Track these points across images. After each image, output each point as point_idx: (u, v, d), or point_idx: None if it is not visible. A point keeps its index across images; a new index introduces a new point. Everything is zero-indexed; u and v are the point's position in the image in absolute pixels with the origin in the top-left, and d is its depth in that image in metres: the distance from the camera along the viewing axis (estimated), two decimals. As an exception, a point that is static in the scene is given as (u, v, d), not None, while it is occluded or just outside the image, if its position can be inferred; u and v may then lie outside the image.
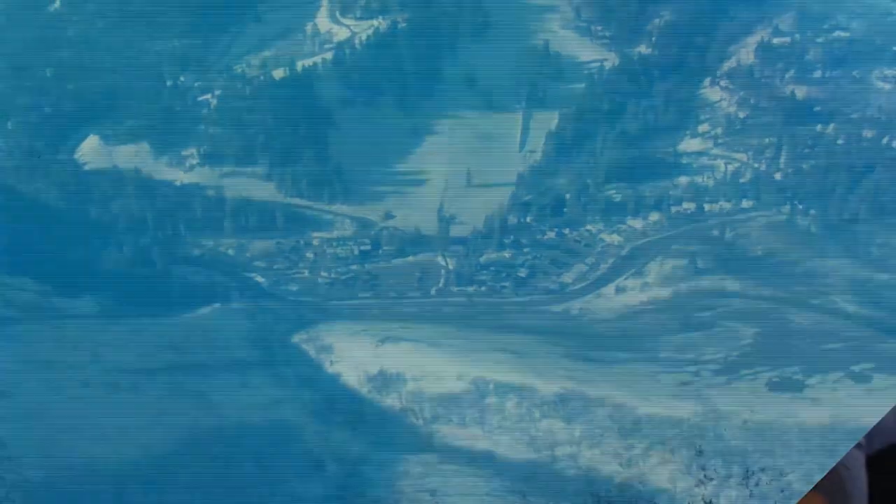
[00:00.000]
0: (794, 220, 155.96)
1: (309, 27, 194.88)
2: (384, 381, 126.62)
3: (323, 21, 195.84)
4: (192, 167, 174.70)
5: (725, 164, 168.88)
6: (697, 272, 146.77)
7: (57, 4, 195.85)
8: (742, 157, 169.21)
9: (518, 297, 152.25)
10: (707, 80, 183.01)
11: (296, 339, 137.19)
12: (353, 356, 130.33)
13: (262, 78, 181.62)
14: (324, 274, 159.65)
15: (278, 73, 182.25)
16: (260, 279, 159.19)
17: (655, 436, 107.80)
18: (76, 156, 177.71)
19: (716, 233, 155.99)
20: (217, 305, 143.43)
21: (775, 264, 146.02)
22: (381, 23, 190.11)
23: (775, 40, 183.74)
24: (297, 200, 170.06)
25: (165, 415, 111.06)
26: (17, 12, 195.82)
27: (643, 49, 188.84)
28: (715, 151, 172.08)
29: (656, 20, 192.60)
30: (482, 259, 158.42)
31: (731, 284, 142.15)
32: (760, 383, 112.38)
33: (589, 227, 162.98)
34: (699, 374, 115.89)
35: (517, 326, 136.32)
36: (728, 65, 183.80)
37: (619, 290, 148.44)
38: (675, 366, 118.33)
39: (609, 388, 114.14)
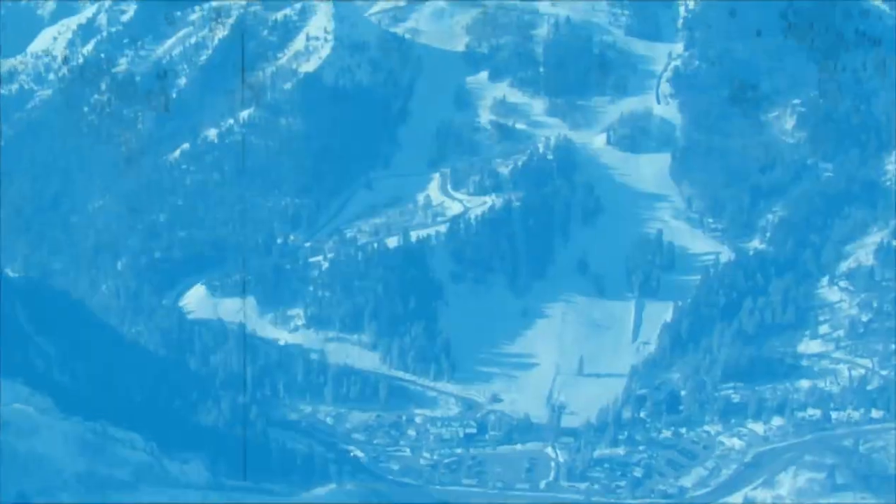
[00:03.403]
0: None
1: (421, 198, 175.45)
2: None
3: (435, 193, 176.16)
4: (296, 328, 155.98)
5: (849, 369, 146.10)
6: (835, 488, 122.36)
7: (176, 154, 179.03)
8: (867, 362, 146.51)
9: (634, 499, 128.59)
10: (825, 280, 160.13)
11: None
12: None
13: (374, 245, 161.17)
14: (426, 455, 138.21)
15: (391, 242, 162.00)
16: (359, 453, 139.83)
17: None
18: (181, 303, 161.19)
19: (847, 444, 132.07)
20: (332, 486, 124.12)
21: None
22: (494, 200, 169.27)
23: (895, 243, 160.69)
24: (401, 374, 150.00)
25: None
26: (137, 157, 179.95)
27: (757, 244, 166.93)
28: (837, 355, 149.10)
29: (769, 216, 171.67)
30: (595, 454, 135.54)
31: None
32: None
33: (707, 427, 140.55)
34: None
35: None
36: (846, 265, 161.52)
37: (749, 501, 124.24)
38: None
39: None
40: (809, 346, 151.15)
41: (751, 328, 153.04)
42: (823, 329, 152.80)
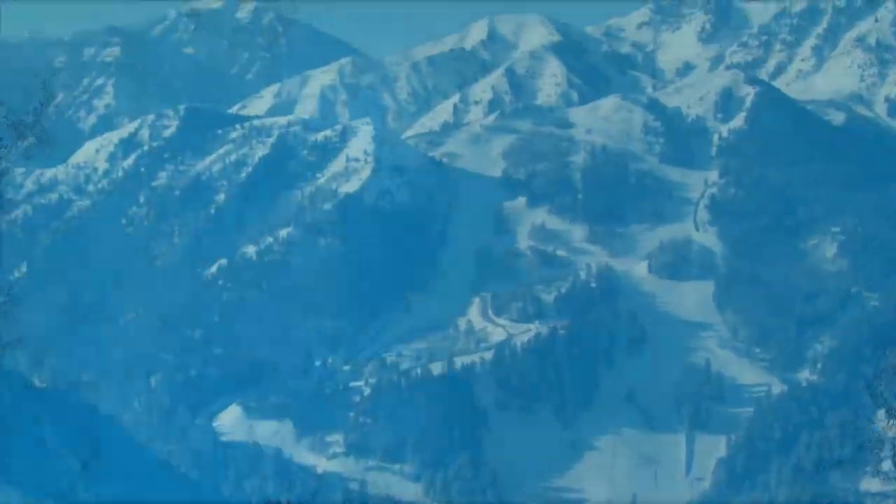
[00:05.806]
0: None
1: (462, 323, 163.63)
2: None
3: (476, 318, 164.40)
4: (335, 455, 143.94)
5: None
6: None
7: (213, 269, 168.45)
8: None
9: None
10: (881, 413, 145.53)
11: None
12: None
13: (418, 371, 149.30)
14: None
15: (435, 368, 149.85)
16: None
17: None
18: (215, 423, 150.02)
19: None
20: None
21: None
22: (538, 327, 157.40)
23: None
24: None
25: None
26: (174, 272, 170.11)
27: (808, 375, 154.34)
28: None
29: (818, 346, 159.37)
30: None
31: None
32: None
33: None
34: None
35: None
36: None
37: None
38: None
39: None
40: (872, 484, 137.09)
41: (809, 463, 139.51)
42: (885, 466, 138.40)
